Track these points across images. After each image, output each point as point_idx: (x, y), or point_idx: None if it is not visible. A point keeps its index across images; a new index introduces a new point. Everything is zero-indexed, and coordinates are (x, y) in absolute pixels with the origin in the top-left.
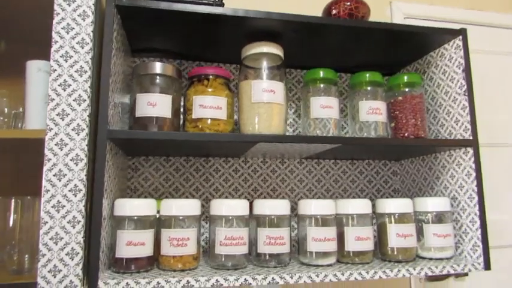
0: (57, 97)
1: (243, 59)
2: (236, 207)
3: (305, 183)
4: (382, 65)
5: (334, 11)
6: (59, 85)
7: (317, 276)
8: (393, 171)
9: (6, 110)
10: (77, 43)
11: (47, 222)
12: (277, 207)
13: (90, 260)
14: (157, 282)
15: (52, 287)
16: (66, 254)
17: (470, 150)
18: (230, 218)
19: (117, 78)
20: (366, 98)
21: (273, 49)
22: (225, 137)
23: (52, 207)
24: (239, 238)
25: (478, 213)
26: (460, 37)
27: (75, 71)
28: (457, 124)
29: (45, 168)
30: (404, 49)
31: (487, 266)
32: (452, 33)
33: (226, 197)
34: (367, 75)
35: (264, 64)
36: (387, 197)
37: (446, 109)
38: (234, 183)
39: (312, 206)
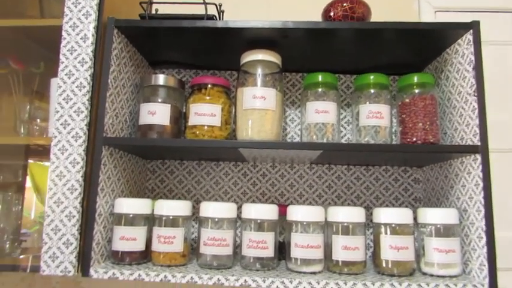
0: (61, 109)
1: (242, 65)
2: (221, 210)
3: (314, 188)
4: (401, 66)
5: (331, 13)
6: (63, 99)
7: (290, 282)
8: (414, 178)
9: (38, 120)
10: (78, 62)
11: (49, 216)
12: (263, 211)
13: (84, 250)
14: (139, 274)
15: (51, 271)
16: (63, 244)
17: (479, 158)
18: (216, 220)
19: (120, 91)
20: (370, 102)
21: (268, 56)
22: (199, 142)
23: (54, 203)
24: (221, 239)
25: (484, 228)
26: (471, 31)
27: (76, 87)
28: (467, 128)
29: (49, 170)
30: (419, 48)
31: None
32: (463, 27)
33: (235, 200)
34: (371, 77)
35: (259, 71)
36: (406, 206)
37: (459, 111)
38: (243, 187)
39: (298, 212)
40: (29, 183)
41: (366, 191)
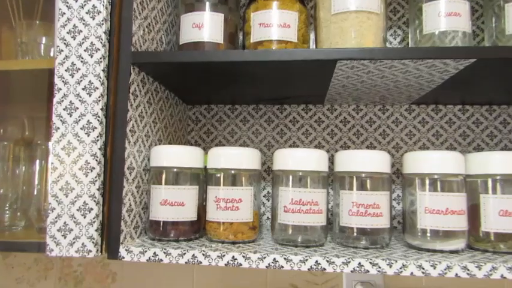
0: (67, 10)
1: None
2: (308, 159)
3: (416, 138)
4: None
5: None
6: None
7: (433, 267)
8: None
9: (44, 40)
10: None
11: (56, 169)
12: (370, 161)
13: (109, 220)
14: (193, 255)
15: (62, 251)
16: (77, 210)
17: None
18: (300, 174)
19: None
20: None
21: None
22: (276, 54)
23: (62, 149)
24: (311, 203)
25: None
26: None
27: None
28: None
29: (54, 101)
30: None
31: None
32: None
33: None
34: None
35: None
36: None
37: None
38: (317, 138)
39: (424, 162)
40: None
41: (489, 139)
